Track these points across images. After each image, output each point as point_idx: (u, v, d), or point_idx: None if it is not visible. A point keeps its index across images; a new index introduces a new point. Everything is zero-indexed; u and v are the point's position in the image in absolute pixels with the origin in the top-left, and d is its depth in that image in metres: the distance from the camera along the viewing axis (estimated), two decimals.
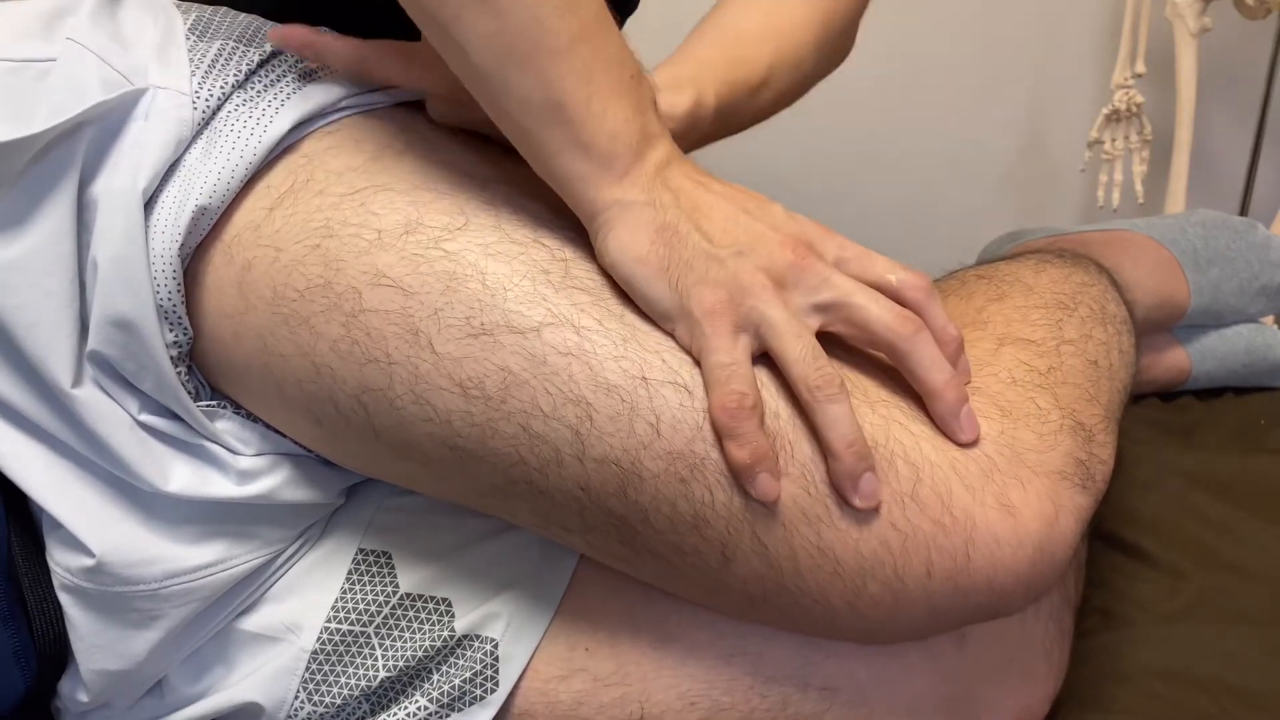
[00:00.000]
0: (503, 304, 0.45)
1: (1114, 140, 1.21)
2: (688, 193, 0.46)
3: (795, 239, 0.46)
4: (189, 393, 0.49)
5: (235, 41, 0.51)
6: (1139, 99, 1.19)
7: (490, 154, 0.52)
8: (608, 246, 0.45)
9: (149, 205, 0.47)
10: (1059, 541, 0.47)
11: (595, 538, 0.47)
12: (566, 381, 0.44)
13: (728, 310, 0.44)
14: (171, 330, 0.48)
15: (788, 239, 0.46)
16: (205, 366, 0.51)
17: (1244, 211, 1.31)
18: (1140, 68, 1.17)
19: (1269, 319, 0.89)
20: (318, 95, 0.50)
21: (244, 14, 0.54)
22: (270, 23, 0.54)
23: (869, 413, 0.46)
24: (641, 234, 0.45)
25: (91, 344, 0.48)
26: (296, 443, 0.52)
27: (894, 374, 0.48)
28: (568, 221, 0.48)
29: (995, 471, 0.46)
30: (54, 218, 0.47)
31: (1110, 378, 0.56)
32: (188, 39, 0.51)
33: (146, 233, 0.47)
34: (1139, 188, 1.21)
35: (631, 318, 0.45)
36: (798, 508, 0.44)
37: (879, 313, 0.45)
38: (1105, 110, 1.20)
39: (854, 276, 0.46)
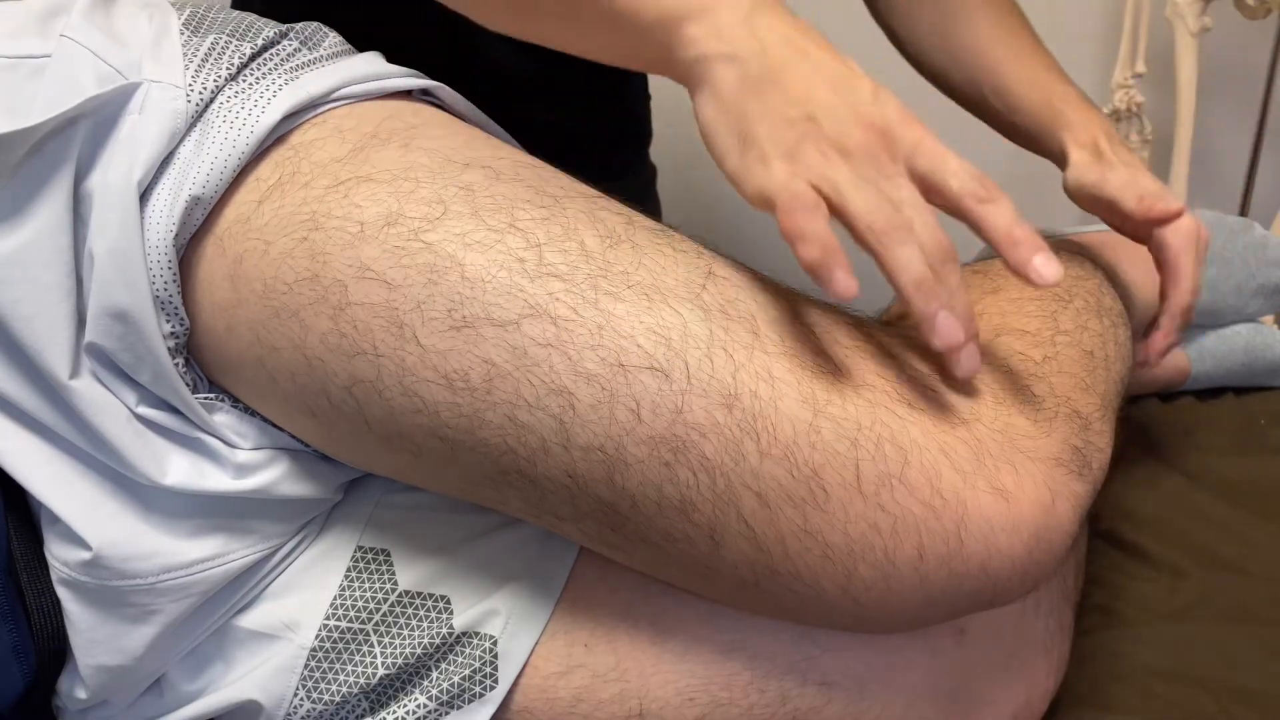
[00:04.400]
0: (482, 296, 0.45)
1: None
2: (774, 48, 0.46)
3: (873, 124, 0.45)
4: (187, 385, 0.49)
5: (228, 36, 0.52)
6: (1139, 99, 1.19)
7: (472, 138, 0.52)
8: (695, 106, 0.47)
9: (144, 197, 0.48)
10: (1056, 528, 0.46)
11: (588, 525, 0.47)
12: (548, 372, 0.44)
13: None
14: (169, 321, 0.48)
15: (866, 122, 0.45)
16: (202, 359, 0.51)
17: (1244, 211, 1.31)
18: (1140, 68, 1.18)
19: (1268, 319, 0.89)
20: (308, 87, 0.50)
21: (237, 10, 0.55)
22: (264, 19, 0.54)
23: (854, 395, 0.45)
24: (721, 90, 0.46)
25: (89, 336, 0.48)
26: (293, 436, 0.52)
27: (886, 357, 0.48)
28: (544, 200, 0.48)
29: (987, 456, 0.46)
30: (50, 211, 0.47)
31: (1106, 368, 0.56)
32: (182, 34, 0.51)
33: (142, 224, 0.47)
34: None
35: (606, 303, 0.45)
36: (782, 489, 0.44)
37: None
38: (1105, 110, 1.20)
39: (921, 174, 0.45)
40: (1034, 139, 0.71)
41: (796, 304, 0.48)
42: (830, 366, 0.46)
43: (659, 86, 0.97)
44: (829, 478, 0.44)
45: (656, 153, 0.97)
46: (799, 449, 0.44)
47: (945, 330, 0.44)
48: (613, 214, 0.49)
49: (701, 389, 0.44)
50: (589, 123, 0.83)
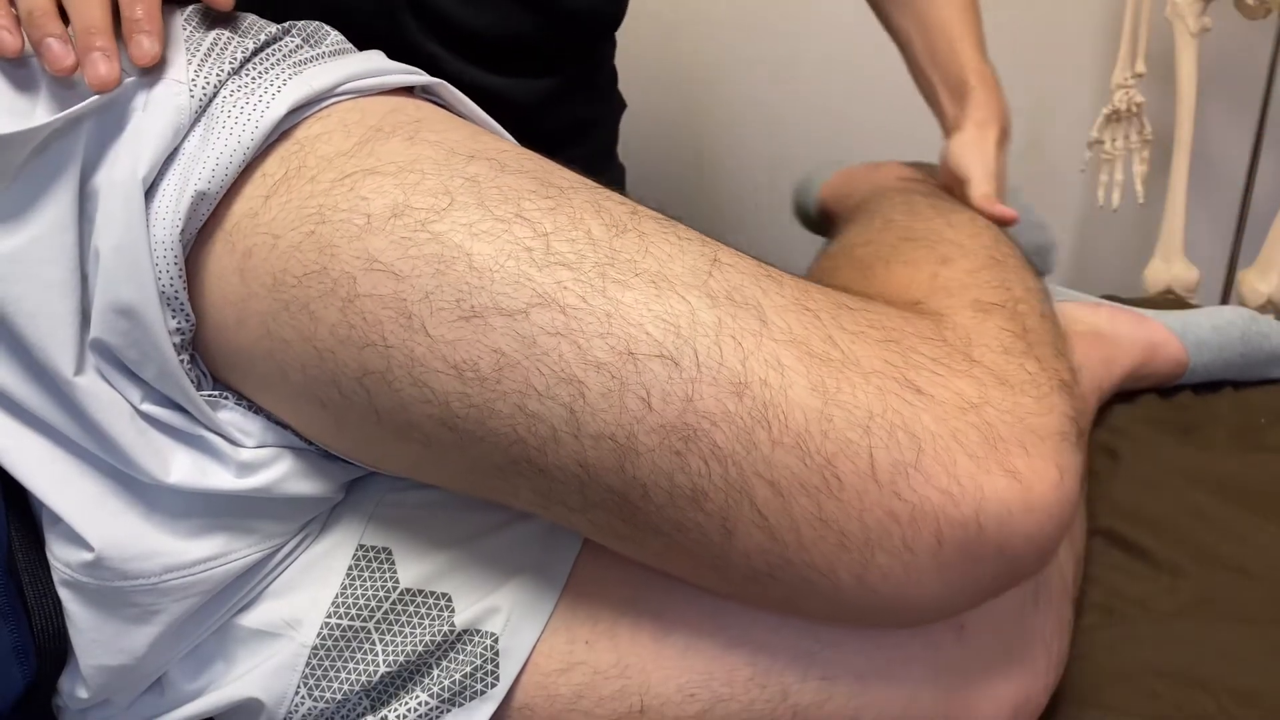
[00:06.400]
0: (490, 286, 0.45)
1: (1114, 140, 1.21)
2: None
3: None
4: (191, 381, 0.49)
5: (230, 32, 0.52)
6: (1139, 99, 1.19)
7: (476, 132, 0.52)
8: None
9: (149, 193, 0.48)
10: (1065, 503, 0.47)
11: (597, 515, 0.47)
12: (557, 361, 0.44)
13: None
14: (174, 317, 0.49)
15: None
16: (208, 355, 0.51)
17: (1244, 211, 1.31)
18: (1140, 68, 1.18)
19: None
20: (312, 82, 0.50)
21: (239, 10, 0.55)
22: (263, 20, 0.54)
23: (863, 383, 0.45)
24: None
25: (94, 332, 0.48)
26: (298, 434, 0.52)
27: (891, 342, 0.48)
28: (550, 191, 0.48)
29: (999, 439, 0.46)
30: (55, 209, 0.47)
31: (1056, 324, 0.57)
32: (184, 29, 0.51)
33: (148, 220, 0.47)
34: (1139, 188, 1.22)
35: (614, 291, 0.45)
36: (795, 478, 0.44)
37: None
38: (1105, 110, 1.20)
39: None
40: (934, 99, 0.81)
41: (800, 290, 0.48)
42: (838, 354, 0.46)
43: (629, 94, 0.98)
44: (843, 466, 0.44)
45: (623, 152, 0.97)
46: (811, 437, 0.44)
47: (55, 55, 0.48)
48: (617, 204, 0.49)
49: (711, 377, 0.44)
50: (559, 96, 0.83)
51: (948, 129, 0.79)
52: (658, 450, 0.44)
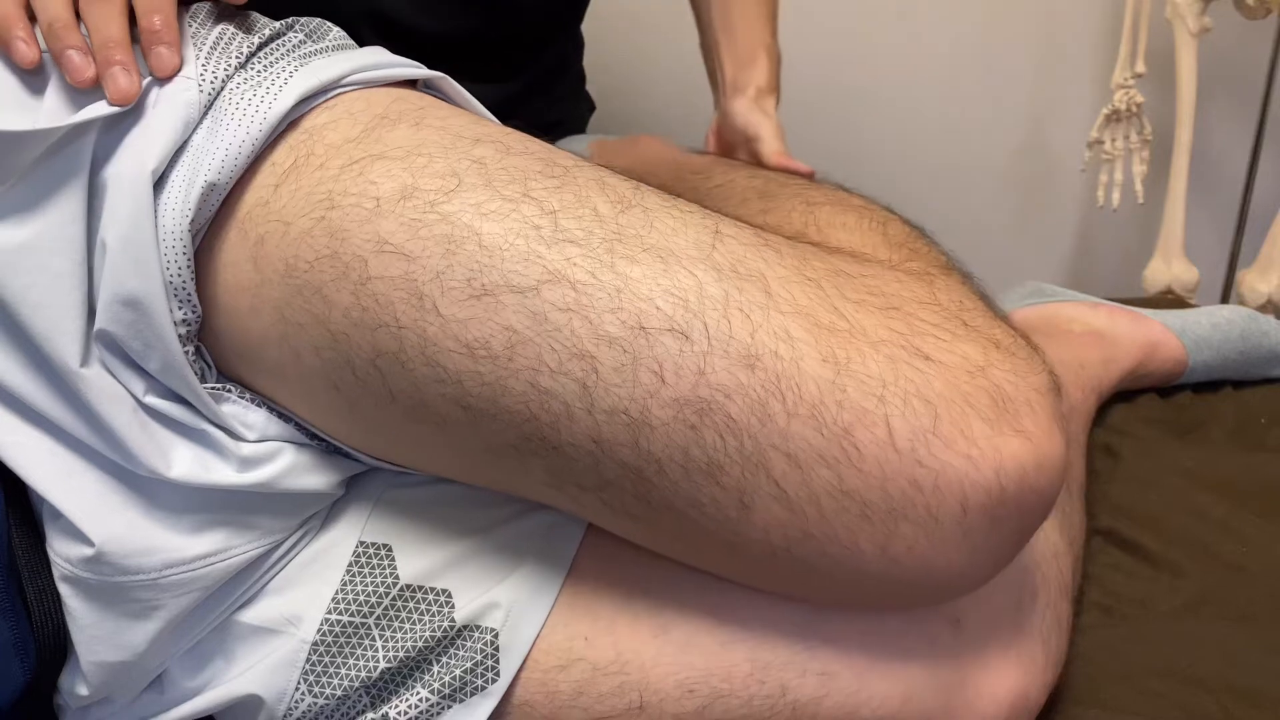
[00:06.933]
0: (500, 264, 0.45)
1: (1114, 140, 1.21)
2: None
3: None
4: (195, 374, 0.49)
5: (234, 27, 0.53)
6: (1139, 99, 1.19)
7: (478, 119, 0.53)
8: None
9: (157, 186, 0.48)
10: (1064, 458, 0.47)
11: (610, 495, 0.47)
12: (569, 337, 0.44)
13: None
14: (180, 308, 0.49)
15: None
16: (219, 345, 0.51)
17: (1244, 211, 1.31)
18: (1140, 68, 1.18)
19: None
20: (319, 74, 0.51)
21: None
22: (263, 18, 0.55)
23: (872, 352, 0.45)
24: None
25: (99, 323, 0.48)
26: (302, 428, 0.52)
27: (892, 309, 0.48)
28: (555, 170, 0.48)
29: (1006, 400, 0.46)
30: (65, 203, 0.48)
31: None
32: (189, 25, 0.52)
33: (156, 212, 0.48)
34: (1139, 188, 1.22)
35: (622, 266, 0.45)
36: (812, 449, 0.44)
37: None
38: (1105, 110, 1.20)
39: None
40: (718, 61, 0.86)
41: (798, 258, 0.49)
42: (844, 324, 0.46)
43: (599, 95, 0.98)
44: (861, 436, 0.44)
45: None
46: (826, 408, 0.44)
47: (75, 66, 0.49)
48: (620, 180, 0.49)
49: (722, 349, 0.44)
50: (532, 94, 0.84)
51: (725, 91, 0.84)
52: (672, 424, 0.44)
